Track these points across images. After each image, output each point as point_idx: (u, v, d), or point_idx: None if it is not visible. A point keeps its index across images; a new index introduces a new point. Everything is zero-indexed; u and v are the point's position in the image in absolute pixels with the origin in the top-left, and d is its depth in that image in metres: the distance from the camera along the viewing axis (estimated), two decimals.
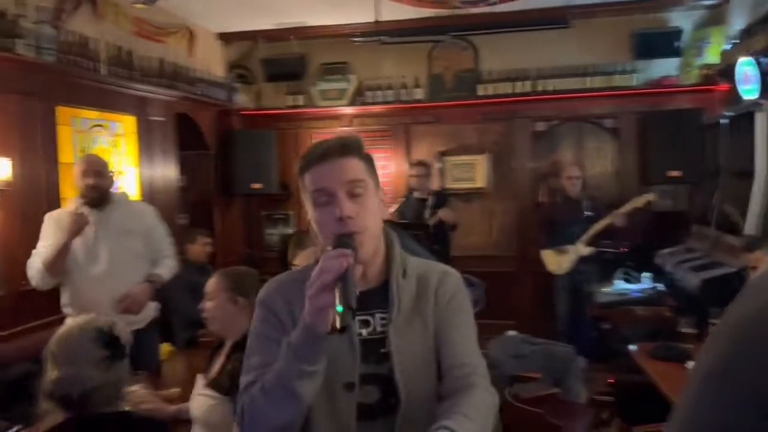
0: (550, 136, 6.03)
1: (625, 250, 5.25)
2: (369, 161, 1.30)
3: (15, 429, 2.52)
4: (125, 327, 1.85)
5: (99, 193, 3.12)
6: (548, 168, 6.01)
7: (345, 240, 1.19)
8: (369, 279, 1.31)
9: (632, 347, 3.39)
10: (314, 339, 1.13)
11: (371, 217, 1.25)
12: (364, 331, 1.30)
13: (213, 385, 2.16)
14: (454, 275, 1.39)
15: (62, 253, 3.00)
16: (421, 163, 5.42)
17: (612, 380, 3.96)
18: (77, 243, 3.05)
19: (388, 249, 1.35)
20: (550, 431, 2.55)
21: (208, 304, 2.26)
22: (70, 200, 3.25)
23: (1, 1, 3.48)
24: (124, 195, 3.57)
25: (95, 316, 1.81)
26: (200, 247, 4.51)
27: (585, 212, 5.06)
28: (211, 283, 2.29)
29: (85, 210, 3.09)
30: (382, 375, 1.28)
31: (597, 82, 5.79)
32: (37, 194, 3.67)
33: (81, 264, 3.08)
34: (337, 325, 1.07)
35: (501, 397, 2.83)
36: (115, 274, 3.10)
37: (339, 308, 1.06)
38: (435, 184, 5.63)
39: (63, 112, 3.92)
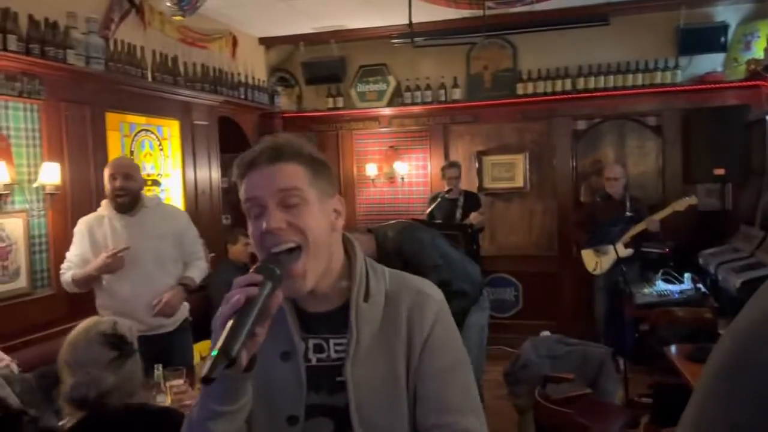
0: (592, 134, 5.95)
1: (668, 251, 5.15)
2: (314, 165, 1.11)
3: (65, 421, 2.67)
4: (130, 325, 1.90)
5: (129, 196, 3.11)
6: (589, 167, 5.94)
7: (269, 262, 1.02)
8: (322, 299, 1.12)
9: (671, 349, 3.34)
10: (222, 377, 0.91)
11: (312, 230, 1.06)
12: (314, 358, 1.12)
13: None
14: (433, 296, 1.15)
15: (90, 280, 3.10)
16: (452, 164, 5.48)
17: (651, 382, 3.91)
18: (110, 246, 3.10)
19: (350, 265, 1.15)
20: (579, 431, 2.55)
21: None
22: (103, 203, 3.26)
23: (53, 13, 3.67)
24: (157, 198, 3.65)
25: (97, 319, 1.87)
26: (242, 247, 4.64)
27: (626, 212, 4.99)
28: None
29: (117, 217, 3.13)
30: (336, 407, 1.09)
31: (639, 79, 5.69)
32: (86, 197, 3.86)
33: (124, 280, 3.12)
34: (204, 371, 0.86)
35: (532, 397, 2.85)
36: (148, 279, 3.13)
37: (213, 352, 0.86)
38: (470, 184, 5.66)
39: (112, 118, 4.11)
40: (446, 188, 5.39)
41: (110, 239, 3.11)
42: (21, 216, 3.45)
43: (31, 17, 3.50)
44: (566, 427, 2.59)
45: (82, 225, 3.19)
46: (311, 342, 1.13)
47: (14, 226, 3.41)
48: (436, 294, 1.16)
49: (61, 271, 3.20)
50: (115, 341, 1.76)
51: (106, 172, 3.16)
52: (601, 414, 3.09)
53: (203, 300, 4.57)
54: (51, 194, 3.54)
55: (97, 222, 3.16)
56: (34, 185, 3.52)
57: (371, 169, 6.43)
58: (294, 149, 1.10)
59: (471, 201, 5.34)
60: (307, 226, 1.06)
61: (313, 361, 1.12)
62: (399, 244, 3.34)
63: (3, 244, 3.35)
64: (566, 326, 5.20)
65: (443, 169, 5.56)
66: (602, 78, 5.79)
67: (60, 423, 2.60)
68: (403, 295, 1.14)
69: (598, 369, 3.53)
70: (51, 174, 3.50)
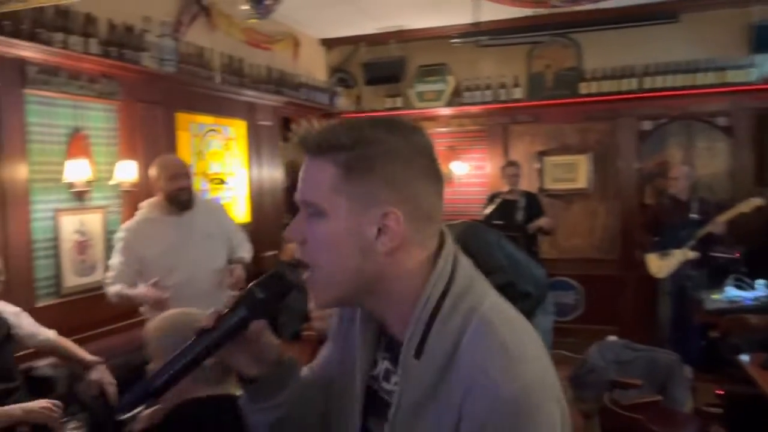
0: (657, 135, 5.79)
1: (739, 255, 4.96)
2: (353, 162, 0.84)
3: (140, 409, 2.77)
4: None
5: (189, 195, 3.04)
6: (655, 168, 5.78)
7: (260, 282, 0.89)
8: (393, 323, 0.90)
9: (744, 357, 3.23)
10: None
11: (320, 253, 0.87)
12: (383, 384, 0.93)
13: None
14: (492, 389, 0.77)
15: (134, 302, 3.00)
16: (511, 163, 5.42)
17: (721, 391, 3.78)
18: (159, 251, 2.97)
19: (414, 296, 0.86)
20: None
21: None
22: (146, 207, 3.12)
23: (130, 17, 3.82)
24: (199, 194, 3.54)
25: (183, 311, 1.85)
26: (294, 245, 4.73)
27: (692, 215, 4.84)
28: None
29: (166, 220, 3.02)
30: None
31: (709, 78, 5.51)
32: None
33: (163, 270, 2.94)
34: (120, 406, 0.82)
35: (598, 402, 2.80)
36: (198, 279, 3.01)
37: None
38: (531, 185, 5.59)
39: (182, 118, 4.25)
40: (507, 188, 5.34)
41: (164, 245, 2.98)
42: (99, 212, 3.60)
43: (110, 21, 3.66)
44: None
45: (125, 233, 3.03)
46: (383, 365, 0.93)
47: (93, 222, 3.57)
48: (500, 385, 0.77)
49: (105, 281, 3.04)
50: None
51: (164, 173, 2.99)
52: (670, 422, 3.01)
53: None
54: (127, 191, 3.68)
55: (142, 227, 3.02)
56: (111, 182, 3.67)
57: None
58: (332, 140, 0.85)
59: (532, 202, 5.27)
60: (313, 248, 0.87)
61: (375, 387, 0.93)
62: (463, 243, 3.34)
63: (83, 239, 3.50)
64: (629, 331, 5.06)
65: (503, 168, 5.51)
66: (670, 77, 5.63)
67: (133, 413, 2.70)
68: (463, 369, 0.80)
69: (667, 376, 3.44)
70: (127, 172, 3.64)
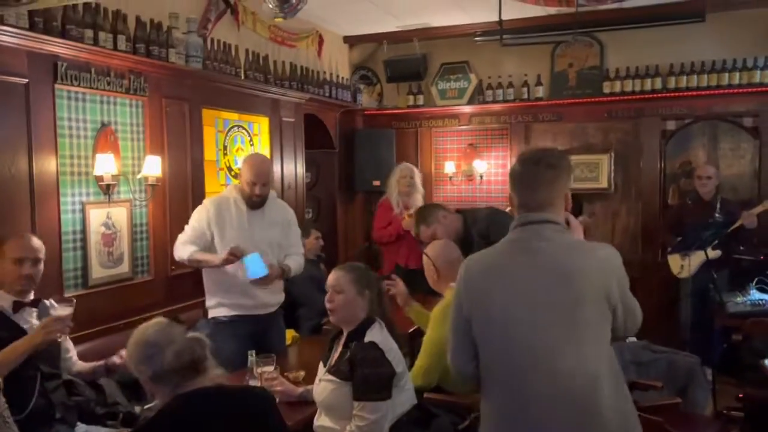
0: (682, 135, 5.73)
1: (764, 258, 4.90)
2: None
3: (153, 404, 2.83)
4: (200, 337, 1.93)
5: (263, 200, 3.36)
6: (678, 169, 5.73)
7: None
8: None
9: (766, 362, 3.20)
10: None
11: None
12: None
13: (334, 371, 2.32)
14: None
15: (205, 266, 3.31)
16: None
17: (742, 395, 3.74)
18: (234, 233, 3.27)
19: None
20: None
21: (337, 297, 2.39)
22: (232, 188, 3.46)
23: (157, 14, 3.88)
24: (274, 192, 3.70)
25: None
26: (314, 240, 4.78)
27: (716, 215, 4.79)
28: (338, 278, 2.41)
29: (243, 204, 3.34)
30: None
31: (736, 77, 5.44)
32: (183, 189, 4.07)
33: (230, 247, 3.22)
34: None
35: None
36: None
37: None
38: None
39: (207, 114, 4.31)
40: None
41: (236, 223, 3.30)
42: (125, 205, 3.68)
43: (138, 18, 3.72)
44: None
45: (209, 204, 3.37)
46: None
47: (120, 215, 3.64)
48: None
49: (179, 241, 3.31)
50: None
51: (247, 175, 3.29)
52: (690, 425, 3.00)
53: (285, 290, 4.72)
54: (152, 186, 3.75)
55: (225, 204, 3.33)
56: (138, 177, 3.74)
57: (449, 167, 6.44)
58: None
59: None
60: None
61: None
62: (486, 228, 3.41)
63: (110, 232, 3.58)
64: (649, 332, 4.98)
65: None
66: (695, 77, 5.57)
67: (146, 407, 2.77)
68: None
69: (687, 378, 3.42)
70: (153, 166, 3.71)
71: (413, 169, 5.23)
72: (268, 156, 4.97)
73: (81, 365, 2.86)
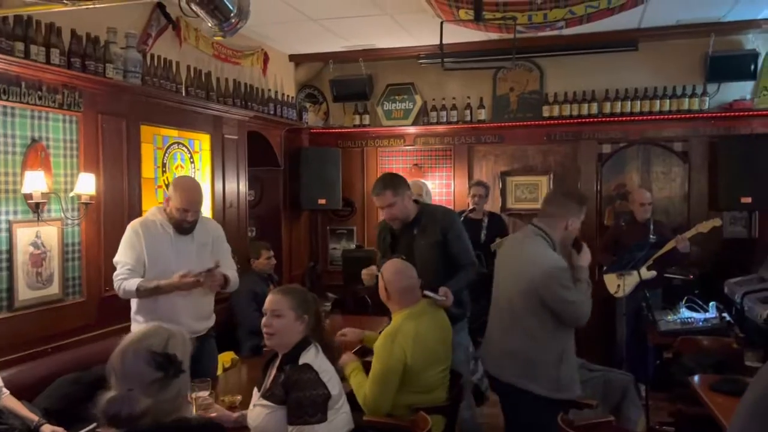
0: (617, 158, 5.95)
1: (693, 277, 5.11)
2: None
3: (92, 426, 2.73)
4: (185, 339, 1.80)
5: (192, 226, 3.25)
6: (614, 191, 5.93)
7: None
8: None
9: (695, 379, 3.31)
10: None
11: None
12: None
13: (268, 395, 2.27)
14: None
15: (157, 293, 3.12)
16: (479, 183, 5.49)
17: (673, 410, 3.86)
18: (164, 260, 3.15)
19: None
20: None
21: (276, 321, 2.33)
22: (156, 211, 3.31)
23: (95, 28, 3.78)
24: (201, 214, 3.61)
25: (153, 331, 1.78)
26: (264, 261, 4.71)
27: (650, 236, 4.97)
28: (277, 301, 2.36)
29: (171, 228, 3.21)
30: None
31: (666, 104, 5.70)
32: (120, 207, 3.95)
33: (160, 273, 3.15)
34: None
35: (555, 423, 2.84)
36: (198, 298, 3.24)
37: None
38: (494, 205, 5.67)
39: (146, 131, 4.21)
40: (470, 206, 5.41)
41: (166, 249, 3.18)
42: (56, 224, 3.54)
43: (73, 32, 3.62)
44: None
45: (138, 228, 3.20)
46: None
47: (50, 234, 3.50)
48: None
49: (119, 277, 3.14)
50: (163, 361, 1.68)
51: (178, 201, 3.16)
52: None
53: (226, 312, 4.63)
54: (86, 204, 3.63)
55: (153, 228, 3.20)
56: (70, 195, 3.61)
57: None
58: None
59: (495, 223, 5.35)
60: None
61: None
62: (443, 218, 3.44)
63: (38, 251, 3.43)
64: (587, 350, 5.16)
65: (470, 186, 5.59)
66: (629, 102, 5.80)
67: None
68: None
69: (621, 396, 3.51)
70: (86, 184, 3.59)
71: (422, 186, 5.01)
72: (210, 173, 4.89)
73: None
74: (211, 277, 3.17)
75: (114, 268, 3.23)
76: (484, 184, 5.49)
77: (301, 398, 2.17)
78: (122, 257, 3.18)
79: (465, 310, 3.57)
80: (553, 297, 2.82)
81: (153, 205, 4.14)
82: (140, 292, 3.10)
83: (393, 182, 3.41)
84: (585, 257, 3.00)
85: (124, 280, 3.12)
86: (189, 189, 3.25)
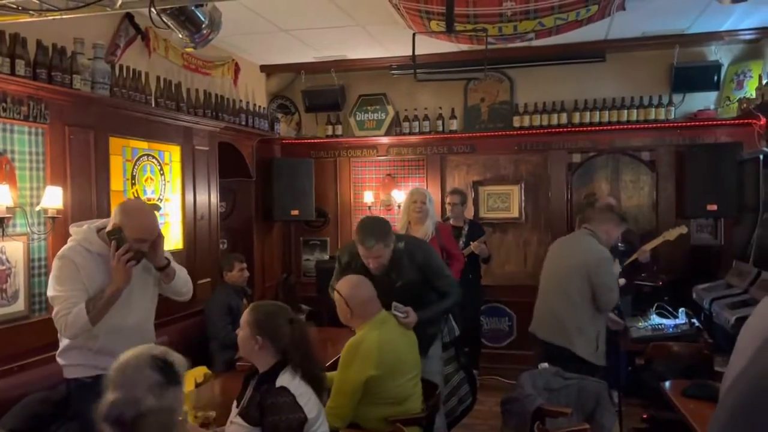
0: (586, 167, 6.04)
1: (662, 284, 5.19)
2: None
3: None
4: (181, 357, 1.83)
5: (144, 256, 2.79)
6: (584, 199, 6.01)
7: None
8: None
9: (666, 384, 3.36)
10: None
11: None
12: None
13: (243, 414, 2.24)
14: None
15: (109, 305, 2.68)
16: (454, 191, 5.52)
17: (645, 416, 3.92)
18: (99, 284, 2.71)
19: None
20: None
21: (239, 332, 2.37)
22: (85, 234, 2.81)
23: (61, 39, 3.71)
24: None
25: (152, 345, 1.88)
26: (237, 273, 4.64)
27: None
28: (245, 313, 2.39)
29: (106, 251, 2.72)
30: None
31: (634, 114, 5.81)
32: (88, 221, 3.86)
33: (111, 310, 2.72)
34: None
35: (524, 430, 2.85)
36: (135, 305, 2.85)
37: None
38: (467, 214, 5.70)
39: (115, 143, 4.13)
40: (446, 215, 5.44)
41: (101, 276, 2.72)
42: (22, 239, 3.45)
43: (39, 42, 3.54)
44: None
45: (74, 257, 2.72)
46: None
47: (14, 250, 3.41)
48: None
49: (63, 313, 2.64)
50: (163, 365, 1.74)
51: (133, 232, 2.69)
52: None
53: (200, 324, 4.56)
54: (52, 218, 3.54)
55: (84, 256, 2.74)
56: (37, 209, 3.52)
57: (368, 197, 6.47)
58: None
59: (475, 231, 5.38)
60: None
61: None
62: (417, 255, 3.36)
63: (2, 267, 3.34)
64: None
65: (447, 194, 5.64)
66: (597, 113, 5.90)
67: None
68: None
69: (595, 403, 3.53)
70: (53, 198, 3.50)
71: (425, 194, 4.66)
72: (180, 185, 4.82)
73: None
74: (153, 249, 2.80)
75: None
76: (459, 192, 5.51)
77: (277, 422, 2.14)
78: (62, 294, 2.67)
79: (438, 328, 3.56)
80: (599, 280, 3.72)
81: None
82: (91, 315, 2.62)
83: (383, 233, 3.18)
84: (616, 268, 3.95)
85: (67, 315, 2.63)
86: (142, 216, 2.78)
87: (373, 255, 3.18)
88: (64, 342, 2.81)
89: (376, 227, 3.22)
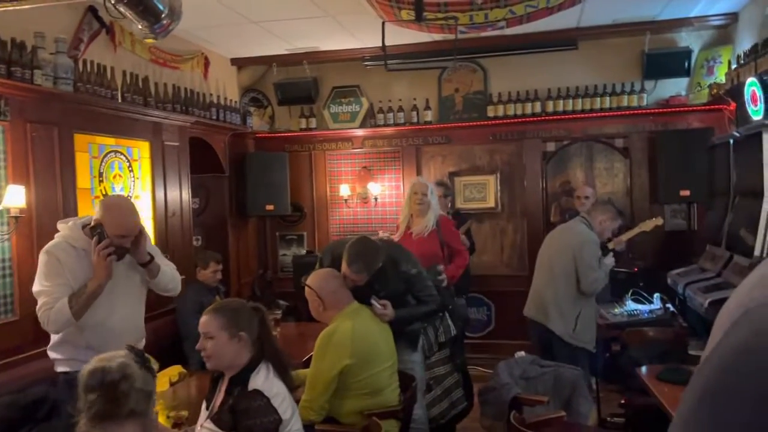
0: (561, 156, 6.05)
1: (637, 270, 5.23)
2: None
3: None
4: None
5: (128, 251, 2.82)
6: (559, 188, 6.03)
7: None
8: None
9: (642, 369, 3.38)
10: None
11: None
12: None
13: (215, 419, 2.18)
14: None
15: (91, 299, 2.70)
16: (440, 184, 5.46)
17: (623, 401, 3.94)
18: (83, 281, 2.73)
19: None
20: None
21: (209, 344, 2.21)
22: (70, 230, 2.82)
23: (20, 33, 3.60)
24: None
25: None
26: (210, 273, 4.55)
27: None
28: (206, 322, 2.24)
29: (90, 246, 2.74)
30: None
31: (607, 102, 5.83)
32: (54, 220, 3.71)
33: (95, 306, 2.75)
34: None
35: (502, 419, 2.84)
36: (121, 305, 2.86)
37: None
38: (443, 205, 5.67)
39: (80, 139, 4.03)
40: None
41: (86, 274, 2.74)
42: None
43: None
44: None
45: (58, 254, 2.73)
46: None
47: None
48: None
49: (45, 308, 2.66)
50: (138, 353, 1.89)
51: (113, 228, 2.71)
52: None
53: (173, 323, 4.49)
54: (15, 217, 3.44)
55: (69, 253, 2.75)
56: None
57: (344, 190, 6.43)
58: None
59: (460, 222, 5.35)
60: None
61: None
62: (401, 266, 3.29)
63: None
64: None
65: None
66: (571, 101, 5.91)
67: None
68: None
69: (572, 390, 3.55)
70: (16, 197, 3.41)
71: (427, 186, 4.43)
72: (150, 181, 4.73)
73: None
74: (135, 245, 2.80)
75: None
76: (443, 184, 5.41)
77: (251, 426, 2.09)
78: (44, 288, 2.70)
79: (419, 327, 3.51)
80: (582, 261, 3.90)
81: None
82: (74, 309, 2.65)
83: (372, 265, 3.05)
84: (609, 260, 4.09)
85: (49, 310, 2.65)
86: (123, 212, 2.79)
87: (354, 278, 3.07)
88: (54, 337, 2.84)
89: (369, 258, 3.07)
